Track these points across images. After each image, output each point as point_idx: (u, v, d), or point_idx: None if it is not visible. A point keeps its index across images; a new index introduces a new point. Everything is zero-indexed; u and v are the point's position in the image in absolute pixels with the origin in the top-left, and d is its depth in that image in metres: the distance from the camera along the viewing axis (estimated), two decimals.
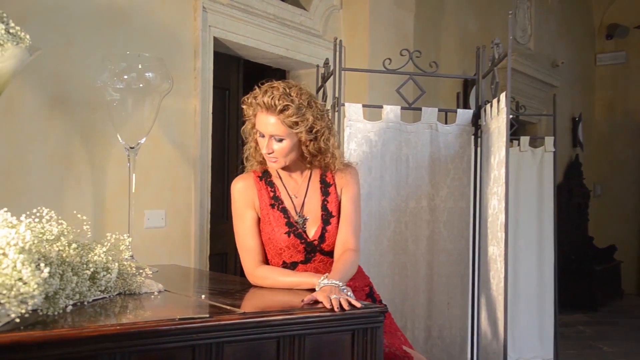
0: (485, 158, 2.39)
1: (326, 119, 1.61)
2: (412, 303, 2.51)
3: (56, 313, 1.11)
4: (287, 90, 1.54)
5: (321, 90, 2.65)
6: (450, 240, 2.53)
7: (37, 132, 2.08)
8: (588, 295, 5.41)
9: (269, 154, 1.58)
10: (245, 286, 1.59)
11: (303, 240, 1.61)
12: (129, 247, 1.43)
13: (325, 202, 1.65)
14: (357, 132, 2.42)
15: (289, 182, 1.67)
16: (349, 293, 1.38)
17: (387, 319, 1.70)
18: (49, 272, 1.05)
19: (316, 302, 1.32)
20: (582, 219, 6.08)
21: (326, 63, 2.63)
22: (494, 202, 2.20)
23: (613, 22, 6.67)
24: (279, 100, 1.52)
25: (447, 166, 2.54)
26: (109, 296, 1.32)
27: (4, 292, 0.97)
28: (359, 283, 1.73)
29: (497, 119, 2.23)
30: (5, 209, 1.10)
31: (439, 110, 2.60)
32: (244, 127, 1.67)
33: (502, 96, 2.17)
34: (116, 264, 1.32)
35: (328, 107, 2.28)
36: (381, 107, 2.52)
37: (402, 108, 2.52)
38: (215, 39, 2.69)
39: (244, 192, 1.64)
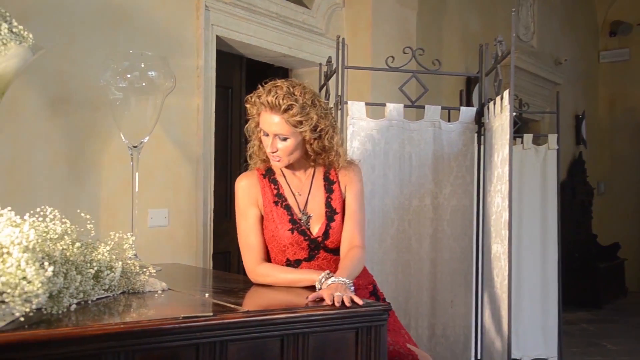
0: (489, 156, 2.39)
1: (330, 117, 1.61)
2: (416, 301, 2.51)
3: (60, 312, 1.11)
4: (291, 90, 1.54)
5: (324, 89, 2.64)
6: (453, 238, 2.52)
7: (40, 132, 2.08)
8: (592, 293, 5.40)
9: (273, 152, 1.58)
10: (249, 285, 1.59)
11: (307, 237, 1.61)
12: (133, 246, 1.43)
13: (329, 200, 1.65)
14: (360, 130, 2.42)
15: (292, 180, 1.67)
16: (352, 288, 1.39)
17: (391, 317, 1.70)
18: (53, 271, 1.05)
19: (322, 299, 1.33)
20: (585, 217, 6.06)
21: (329, 61, 2.63)
22: (497, 200, 2.20)
23: (616, 19, 6.64)
24: (283, 99, 1.52)
25: (450, 164, 2.53)
26: (113, 295, 1.32)
27: (8, 290, 0.97)
28: (363, 281, 1.73)
29: (501, 116, 2.22)
30: (9, 207, 1.10)
31: (442, 108, 2.59)
32: (247, 125, 1.67)
33: (506, 94, 2.16)
34: (120, 262, 1.32)
35: (331, 105, 2.28)
36: (384, 105, 2.51)
37: (405, 106, 2.51)
38: (217, 37, 2.69)
39: (247, 189, 1.64)
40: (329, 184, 1.67)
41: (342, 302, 1.29)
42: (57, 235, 1.21)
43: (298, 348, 1.21)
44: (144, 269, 1.43)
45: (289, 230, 1.60)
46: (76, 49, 2.17)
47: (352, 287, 1.41)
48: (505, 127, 2.11)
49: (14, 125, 2.00)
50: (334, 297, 1.30)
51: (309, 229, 1.62)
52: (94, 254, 1.26)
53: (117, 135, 1.89)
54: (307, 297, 1.34)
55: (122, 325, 1.07)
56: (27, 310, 0.99)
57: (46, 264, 1.03)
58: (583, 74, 6.39)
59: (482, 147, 2.53)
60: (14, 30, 1.28)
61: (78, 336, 1.02)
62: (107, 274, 1.28)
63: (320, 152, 1.62)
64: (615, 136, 6.70)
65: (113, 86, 1.77)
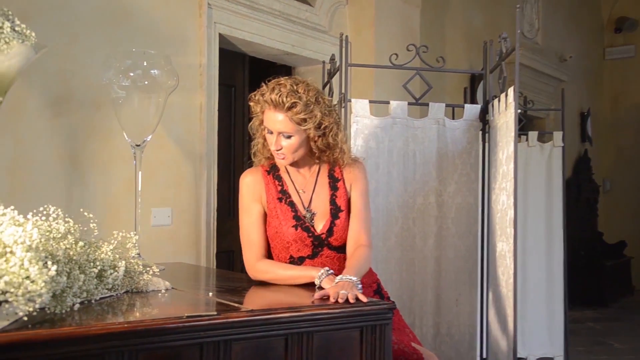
0: (493, 153, 2.37)
1: (334, 115, 1.61)
2: (420, 300, 2.50)
3: (63, 311, 1.11)
4: (295, 87, 1.54)
5: (327, 87, 2.64)
6: (458, 236, 2.51)
7: (43, 130, 2.08)
8: (598, 292, 5.37)
9: (278, 150, 1.58)
10: (253, 284, 1.59)
11: (310, 234, 1.61)
12: (136, 245, 1.42)
13: (334, 197, 1.65)
14: (364, 128, 2.41)
15: (296, 177, 1.67)
16: (359, 286, 1.39)
17: (396, 316, 1.69)
18: (56, 270, 1.05)
19: (328, 297, 1.33)
20: (591, 215, 6.03)
21: (332, 59, 2.62)
22: (502, 197, 2.18)
23: (622, 15, 6.60)
24: (286, 97, 1.52)
25: (454, 162, 2.52)
26: (116, 294, 1.32)
27: (12, 290, 0.97)
28: (367, 280, 1.72)
29: (505, 113, 2.21)
30: (12, 207, 1.10)
31: (446, 106, 2.58)
32: (251, 123, 1.67)
33: (510, 91, 2.14)
34: (123, 262, 1.32)
35: (334, 103, 2.26)
36: (388, 102, 2.50)
37: (409, 103, 2.50)
38: (220, 35, 2.68)
39: (251, 186, 1.64)
40: (334, 182, 1.67)
41: (347, 299, 1.29)
42: (60, 235, 1.20)
43: (302, 347, 1.21)
44: (147, 268, 1.43)
45: (292, 226, 1.60)
46: (79, 47, 2.17)
47: (360, 286, 1.42)
48: (510, 124, 2.10)
49: (16, 124, 2.00)
50: (338, 295, 1.29)
51: (313, 226, 1.62)
52: (97, 253, 1.26)
53: (120, 134, 1.89)
54: (313, 295, 1.35)
55: (125, 325, 1.07)
56: (31, 309, 0.99)
57: (49, 263, 1.03)
58: (588, 70, 6.35)
59: (486, 144, 2.52)
60: (17, 28, 1.28)
61: (81, 335, 1.02)
62: (111, 273, 1.28)
63: (324, 149, 1.62)
64: (621, 133, 6.65)
65: (116, 85, 1.76)
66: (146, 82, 1.79)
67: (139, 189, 1.86)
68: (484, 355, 2.51)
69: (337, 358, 1.26)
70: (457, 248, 2.51)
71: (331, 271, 1.49)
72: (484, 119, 2.54)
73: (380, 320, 1.30)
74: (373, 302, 1.32)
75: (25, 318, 1.00)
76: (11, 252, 1.00)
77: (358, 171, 1.68)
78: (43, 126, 2.08)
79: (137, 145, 1.84)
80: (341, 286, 1.36)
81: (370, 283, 1.74)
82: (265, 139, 1.63)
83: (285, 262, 1.64)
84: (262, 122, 1.61)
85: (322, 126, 1.57)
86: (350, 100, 2.41)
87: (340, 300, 1.28)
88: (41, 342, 0.98)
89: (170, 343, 1.09)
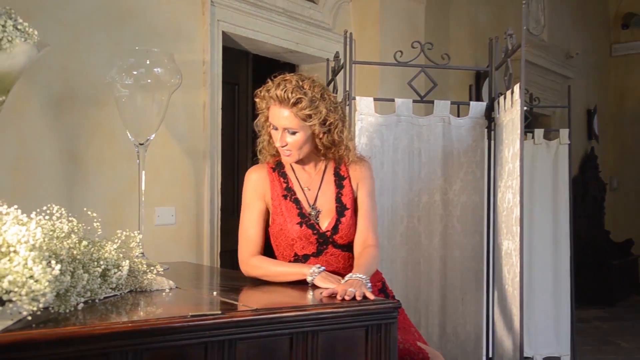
0: (499, 151, 2.35)
1: (339, 111, 1.61)
2: (426, 299, 2.48)
3: (67, 311, 1.11)
4: (300, 83, 1.54)
5: (331, 84, 2.62)
6: (464, 234, 2.49)
7: (46, 129, 2.08)
8: (605, 290, 5.33)
9: (283, 146, 1.58)
10: (257, 283, 1.58)
11: (315, 231, 1.60)
12: (140, 244, 1.42)
13: (340, 195, 1.65)
14: (369, 126, 2.40)
15: (302, 175, 1.67)
16: (368, 285, 1.40)
17: (401, 315, 1.68)
18: (60, 270, 1.04)
19: (336, 295, 1.33)
20: (598, 213, 5.99)
21: (336, 56, 2.61)
22: (508, 195, 2.16)
23: (629, 11, 6.54)
24: (292, 93, 1.52)
25: (460, 160, 2.50)
26: (120, 294, 1.31)
27: (16, 289, 0.97)
28: (372, 279, 1.70)
29: (511, 111, 2.19)
30: (16, 206, 1.10)
31: (452, 103, 2.56)
32: (256, 120, 1.67)
33: (516, 88, 2.12)
34: (127, 261, 1.31)
35: (339, 100, 2.25)
36: (393, 100, 2.48)
37: (414, 101, 2.48)
38: (223, 33, 2.67)
39: (256, 182, 1.65)
40: (340, 180, 1.67)
41: (354, 297, 1.29)
42: (63, 234, 1.20)
43: (307, 346, 1.20)
44: (151, 268, 1.42)
45: (297, 224, 1.59)
46: (81, 46, 2.16)
47: (369, 284, 1.43)
48: (516, 121, 2.08)
49: (19, 123, 2.00)
50: (346, 292, 1.29)
51: (318, 224, 1.62)
52: (100, 253, 1.26)
53: (123, 133, 1.88)
54: (321, 293, 1.35)
55: (129, 324, 1.06)
56: (35, 309, 0.98)
57: (53, 262, 1.03)
58: (595, 67, 6.30)
59: (492, 142, 2.50)
60: (19, 27, 1.28)
61: (86, 335, 1.01)
62: (114, 273, 1.27)
63: (329, 146, 1.61)
64: (628, 130, 6.60)
65: (119, 83, 1.76)
66: (149, 81, 1.78)
67: (143, 188, 1.86)
68: (490, 355, 2.49)
69: (342, 357, 1.25)
70: (463, 247, 2.50)
71: (322, 268, 1.50)
72: (490, 117, 2.52)
73: (386, 319, 1.29)
74: (378, 301, 1.32)
75: (29, 317, 1.00)
76: (15, 251, 1.00)
77: (365, 170, 1.68)
78: (46, 125, 2.08)
79: (141, 144, 1.83)
80: (350, 284, 1.37)
81: (375, 282, 1.74)
82: (270, 136, 1.63)
83: (290, 260, 1.63)
84: (267, 118, 1.61)
85: (327, 122, 1.57)
86: (354, 98, 2.40)
87: (347, 298, 1.29)
88: (45, 342, 0.97)
89: (174, 342, 1.08)
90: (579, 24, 5.91)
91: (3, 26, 1.23)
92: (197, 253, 2.55)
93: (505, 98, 2.30)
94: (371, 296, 1.31)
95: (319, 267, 1.48)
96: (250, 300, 1.44)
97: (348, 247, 1.65)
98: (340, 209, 1.63)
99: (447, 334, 2.50)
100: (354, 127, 2.36)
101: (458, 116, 2.58)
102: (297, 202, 1.62)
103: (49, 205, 1.23)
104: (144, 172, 1.85)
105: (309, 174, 1.67)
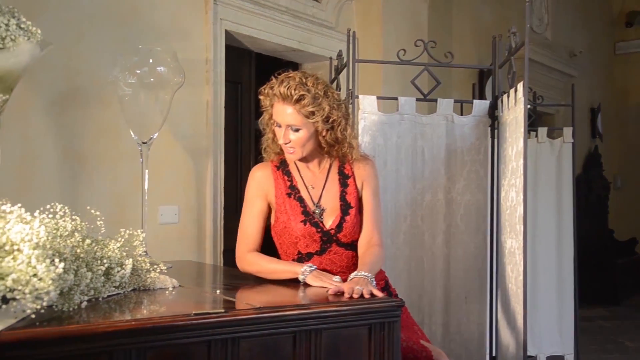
0: (503, 149, 2.35)
1: (343, 109, 1.61)
2: (429, 298, 2.48)
3: (71, 309, 1.11)
4: (304, 80, 1.54)
5: (334, 83, 2.62)
6: (467, 233, 2.49)
7: (49, 128, 2.08)
8: (609, 289, 5.31)
9: (286, 144, 1.58)
10: (260, 281, 1.58)
11: (319, 229, 1.60)
12: (143, 242, 1.42)
13: (344, 193, 1.65)
14: (372, 124, 2.39)
15: (306, 173, 1.67)
16: (373, 283, 1.41)
17: (404, 314, 1.69)
18: (64, 268, 1.04)
19: (343, 293, 1.33)
20: (602, 212, 5.96)
21: (339, 55, 2.60)
22: (512, 194, 2.16)
23: (633, 9, 6.50)
24: (295, 90, 1.52)
25: (463, 158, 2.49)
26: (124, 292, 1.31)
27: (19, 287, 0.97)
28: (375, 277, 1.71)
29: (515, 109, 2.18)
30: (19, 204, 1.10)
31: (455, 102, 2.55)
32: (261, 118, 1.67)
33: (520, 86, 2.12)
34: (130, 259, 1.32)
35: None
36: (396, 99, 2.48)
37: (417, 99, 2.48)
38: (226, 32, 2.67)
39: (259, 181, 1.65)
40: (344, 178, 1.67)
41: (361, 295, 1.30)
42: (67, 232, 1.20)
43: (310, 344, 1.20)
44: (155, 266, 1.42)
45: (301, 221, 1.60)
46: (85, 44, 2.17)
47: (374, 282, 1.43)
48: (520, 120, 2.07)
49: (22, 121, 2.00)
50: (353, 290, 1.29)
51: (322, 222, 1.62)
52: (104, 251, 1.26)
53: (127, 132, 1.88)
54: (327, 291, 1.35)
55: (133, 323, 1.06)
56: (38, 307, 0.98)
57: (57, 260, 1.03)
58: (599, 65, 6.28)
59: (495, 140, 2.49)
60: (22, 26, 1.28)
61: (89, 333, 1.01)
62: (118, 271, 1.27)
63: (333, 143, 1.61)
64: (632, 129, 6.57)
65: (122, 82, 1.76)
66: (152, 79, 1.78)
67: (146, 186, 1.86)
68: (494, 354, 2.48)
69: (346, 355, 1.25)
70: (466, 245, 2.49)
71: (314, 267, 1.50)
72: (493, 115, 2.51)
73: (389, 317, 1.29)
74: (381, 300, 1.32)
75: (33, 316, 1.00)
76: (18, 249, 1.00)
77: (369, 169, 1.69)
78: (49, 123, 2.08)
79: (144, 143, 1.83)
80: (356, 282, 1.38)
81: (378, 280, 1.74)
82: (275, 134, 1.63)
83: (294, 258, 1.63)
84: (271, 116, 1.61)
85: (331, 120, 1.57)
86: (357, 97, 2.39)
87: (355, 296, 1.29)
88: (49, 340, 0.98)
89: (178, 341, 1.08)
90: (582, 22, 5.88)
91: (6, 25, 1.23)
92: (200, 252, 2.55)
93: (508, 96, 2.29)
94: (379, 294, 1.32)
95: (311, 266, 1.49)
96: (254, 299, 1.44)
97: (352, 246, 1.64)
98: (345, 208, 1.63)
99: (451, 332, 2.49)
100: (357, 125, 2.36)
101: (461, 115, 2.57)
102: (301, 200, 1.62)
103: (52, 203, 1.23)
104: (147, 170, 1.85)
105: (313, 172, 1.68)
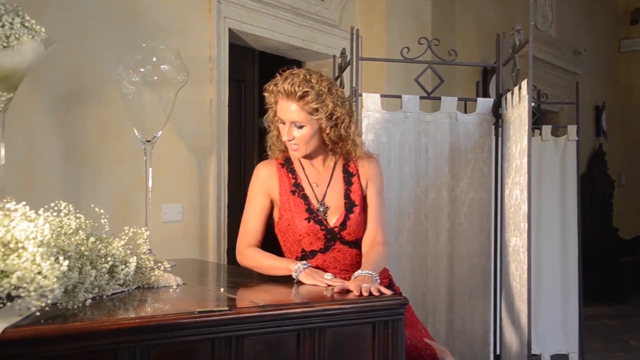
0: (507, 147, 2.34)
1: (347, 106, 1.61)
2: (433, 296, 2.47)
3: (75, 307, 1.11)
4: (308, 77, 1.55)
5: (338, 81, 2.61)
6: (471, 231, 2.48)
7: (53, 127, 2.09)
8: (614, 288, 5.29)
9: (290, 140, 1.58)
10: (264, 279, 1.58)
11: (323, 227, 1.60)
12: (147, 241, 1.42)
13: (348, 192, 1.65)
14: (375, 122, 2.39)
15: (310, 171, 1.68)
16: (377, 281, 1.41)
17: (408, 312, 1.69)
18: (68, 266, 1.04)
19: (348, 291, 1.33)
20: (606, 210, 5.94)
21: (343, 53, 2.60)
22: (516, 192, 2.15)
23: (637, 6, 6.47)
24: (298, 86, 1.53)
25: (467, 156, 2.49)
26: (128, 290, 1.32)
27: (24, 285, 0.97)
28: (379, 275, 1.71)
29: (519, 107, 2.17)
30: (24, 202, 1.10)
31: (459, 100, 2.55)
32: (266, 115, 1.68)
33: (524, 84, 2.11)
34: (134, 257, 1.32)
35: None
36: (399, 97, 2.47)
37: (421, 97, 2.47)
38: (230, 30, 2.67)
39: (263, 179, 1.66)
40: (348, 176, 1.67)
41: (371, 293, 1.30)
42: (71, 230, 1.20)
43: (314, 342, 1.20)
44: (159, 264, 1.42)
45: (305, 219, 1.60)
46: (88, 43, 2.17)
47: (378, 280, 1.43)
48: (524, 117, 2.06)
49: (26, 120, 2.01)
50: (361, 288, 1.29)
51: (326, 220, 1.62)
52: (108, 249, 1.26)
53: (130, 130, 1.88)
54: (333, 289, 1.35)
55: (137, 320, 1.06)
56: (43, 305, 0.99)
57: (61, 258, 1.03)
58: (603, 63, 6.24)
59: (499, 138, 2.48)
60: (27, 24, 1.28)
61: (94, 331, 1.01)
62: (122, 269, 1.28)
63: (337, 140, 1.62)
64: (637, 127, 6.53)
65: (125, 80, 1.76)
66: (156, 78, 1.78)
67: (150, 185, 1.86)
68: (498, 352, 2.48)
69: (350, 353, 1.25)
70: (470, 243, 2.48)
71: (308, 265, 1.51)
72: (497, 113, 2.51)
73: (393, 315, 1.28)
74: (385, 298, 1.31)
75: (38, 313, 1.00)
76: (23, 247, 1.00)
77: (374, 168, 1.69)
78: (53, 122, 2.09)
79: (148, 141, 1.83)
80: (362, 280, 1.38)
81: (382, 279, 1.73)
82: (279, 131, 1.63)
83: (297, 256, 1.63)
84: (276, 113, 1.61)
85: (334, 117, 1.57)
86: (361, 95, 2.39)
87: (365, 293, 1.29)
88: (53, 338, 0.98)
89: (182, 338, 1.08)
90: (587, 20, 5.85)
91: (11, 23, 1.24)
92: (203, 250, 2.55)
93: (512, 94, 2.29)
94: (387, 291, 1.31)
95: (304, 264, 1.50)
96: (257, 297, 1.44)
97: (356, 244, 1.64)
98: (349, 206, 1.63)
99: (455, 330, 2.49)
100: (360, 123, 2.36)
101: (465, 112, 2.57)
102: (305, 198, 1.63)
103: (56, 201, 1.23)
104: (150, 169, 1.85)
105: (317, 170, 1.68)
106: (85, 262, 1.17)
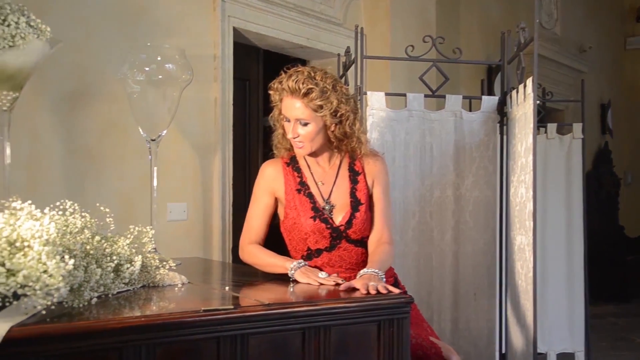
0: (512, 145, 2.33)
1: (351, 104, 1.61)
2: (438, 294, 2.47)
3: (81, 305, 1.11)
4: (312, 74, 1.55)
5: (342, 79, 2.61)
6: (476, 230, 2.48)
7: (58, 126, 2.09)
8: (619, 286, 5.27)
9: (295, 138, 1.58)
10: (269, 278, 1.58)
11: (329, 226, 1.60)
12: (152, 239, 1.42)
13: (354, 190, 1.65)
14: (380, 121, 2.38)
15: (316, 169, 1.68)
16: (383, 279, 1.41)
17: (413, 310, 1.68)
18: (74, 265, 1.05)
19: (354, 289, 1.33)
20: (612, 208, 5.91)
21: (347, 51, 2.59)
22: (521, 190, 2.14)
23: None
24: (303, 83, 1.53)
25: (472, 154, 2.48)
26: (133, 289, 1.32)
27: (30, 284, 0.97)
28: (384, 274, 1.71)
29: (524, 105, 2.16)
30: (29, 201, 1.11)
31: (464, 98, 2.54)
32: (271, 114, 1.68)
33: (529, 82, 2.10)
34: (139, 256, 1.32)
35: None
36: (404, 95, 2.47)
37: (426, 96, 2.46)
38: (234, 29, 2.67)
39: (269, 177, 1.66)
40: (354, 175, 1.67)
41: (378, 291, 1.30)
42: (77, 229, 1.21)
43: (319, 341, 1.20)
44: (164, 263, 1.43)
45: (311, 217, 1.60)
46: (93, 42, 2.17)
47: (384, 279, 1.44)
48: (529, 115, 2.05)
49: (32, 119, 2.01)
50: (368, 287, 1.30)
51: (331, 218, 1.62)
52: (113, 248, 1.26)
53: (135, 129, 1.89)
54: (339, 287, 1.36)
55: (143, 319, 1.07)
56: (49, 303, 0.99)
57: (67, 257, 1.03)
58: (608, 61, 6.21)
59: (504, 136, 2.47)
60: (32, 24, 1.29)
61: (99, 329, 1.02)
62: (127, 268, 1.28)
63: (342, 138, 1.61)
64: None
65: (130, 79, 1.76)
66: (160, 77, 1.78)
67: (155, 183, 1.87)
68: (503, 351, 2.47)
69: (355, 352, 1.25)
70: (475, 242, 2.48)
71: (303, 263, 1.51)
72: (502, 111, 2.49)
73: (398, 313, 1.28)
74: (391, 296, 1.31)
75: (44, 312, 1.01)
76: (29, 246, 1.01)
77: (380, 166, 1.69)
78: (58, 121, 2.10)
79: (153, 140, 1.84)
80: (368, 278, 1.38)
81: (388, 277, 1.73)
82: (285, 129, 1.63)
83: (303, 254, 1.63)
84: (281, 111, 1.61)
85: (339, 114, 1.57)
86: (366, 93, 2.38)
87: (372, 292, 1.29)
88: (59, 336, 0.98)
89: (187, 337, 1.09)
90: (592, 17, 5.82)
91: (16, 23, 1.24)
92: (208, 248, 2.56)
93: (517, 92, 2.27)
94: (395, 289, 1.31)
95: (300, 262, 1.51)
96: (263, 295, 1.44)
97: (361, 243, 1.64)
98: (355, 204, 1.63)
99: (460, 329, 2.48)
100: (365, 122, 2.35)
101: (470, 111, 2.56)
102: (310, 196, 1.62)
103: (62, 200, 1.24)
104: (155, 168, 1.86)
105: (323, 168, 1.68)
106: (90, 260, 1.18)
